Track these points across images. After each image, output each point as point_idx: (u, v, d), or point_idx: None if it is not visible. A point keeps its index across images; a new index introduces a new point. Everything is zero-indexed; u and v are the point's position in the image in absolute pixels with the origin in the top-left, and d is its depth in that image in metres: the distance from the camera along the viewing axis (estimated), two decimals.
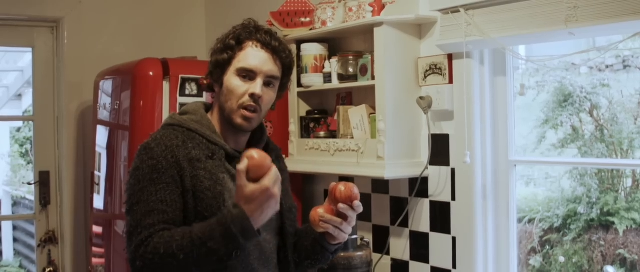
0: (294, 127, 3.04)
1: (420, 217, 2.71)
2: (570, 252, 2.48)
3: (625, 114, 2.36)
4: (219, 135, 1.83)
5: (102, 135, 3.37)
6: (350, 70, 2.79)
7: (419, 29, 2.68)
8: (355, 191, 1.76)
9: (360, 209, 1.77)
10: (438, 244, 2.65)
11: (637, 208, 2.34)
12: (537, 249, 2.58)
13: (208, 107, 1.91)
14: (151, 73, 3.00)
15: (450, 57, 2.56)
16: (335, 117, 2.91)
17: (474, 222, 2.51)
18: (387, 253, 2.86)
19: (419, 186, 2.66)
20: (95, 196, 3.42)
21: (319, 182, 3.26)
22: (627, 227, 2.34)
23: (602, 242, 2.40)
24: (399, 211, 2.79)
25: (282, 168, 1.98)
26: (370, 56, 2.68)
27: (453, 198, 2.58)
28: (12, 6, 3.69)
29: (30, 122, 4.42)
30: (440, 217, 2.63)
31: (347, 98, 2.97)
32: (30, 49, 3.91)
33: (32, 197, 4.24)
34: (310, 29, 2.94)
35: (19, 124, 5.78)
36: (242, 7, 3.79)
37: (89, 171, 3.66)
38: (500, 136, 2.53)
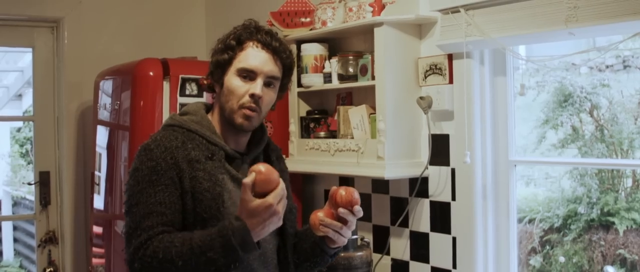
0: (294, 127, 3.04)
1: (421, 217, 2.71)
2: (571, 252, 2.48)
3: (625, 114, 2.36)
4: (219, 135, 1.83)
5: (102, 135, 3.37)
6: (350, 70, 2.79)
7: (419, 29, 2.68)
8: (356, 195, 1.77)
9: (361, 214, 1.77)
10: (438, 244, 2.65)
11: (637, 208, 2.34)
12: (537, 249, 2.58)
13: (208, 108, 1.91)
14: (151, 73, 3.00)
15: (450, 57, 2.56)
16: (336, 117, 2.91)
17: (474, 222, 2.51)
18: (387, 253, 2.86)
19: (419, 186, 2.66)
20: (96, 196, 3.42)
21: (319, 182, 3.26)
22: (627, 227, 2.34)
23: (602, 242, 2.40)
24: (399, 211, 2.79)
25: (282, 169, 1.98)
26: (370, 56, 2.68)
27: (453, 198, 2.58)
28: (12, 6, 3.69)
29: (31, 122, 4.41)
30: (441, 217, 2.63)
31: (347, 98, 2.97)
32: (30, 49, 3.91)
33: (32, 198, 4.24)
34: (311, 29, 2.94)
35: (19, 124, 5.78)
36: (242, 7, 3.79)
37: (89, 171, 3.66)
38: (500, 136, 2.53)
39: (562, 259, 2.50)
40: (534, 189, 2.66)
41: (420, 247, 2.72)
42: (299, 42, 2.96)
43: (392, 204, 2.86)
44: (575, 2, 2.08)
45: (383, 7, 2.64)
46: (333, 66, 2.88)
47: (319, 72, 2.91)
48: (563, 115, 2.51)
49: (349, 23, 2.74)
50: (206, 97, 2.93)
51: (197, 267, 1.62)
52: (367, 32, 2.72)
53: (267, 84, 1.82)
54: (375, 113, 2.64)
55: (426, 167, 2.64)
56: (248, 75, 1.79)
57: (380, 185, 2.90)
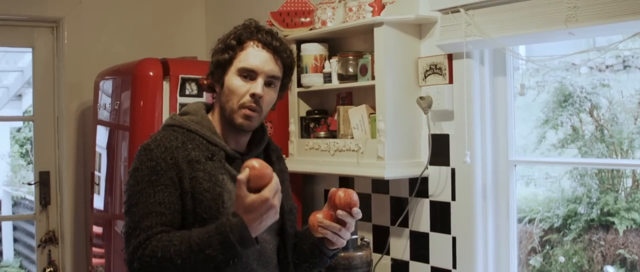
0: (294, 127, 3.04)
1: (420, 217, 2.71)
2: (570, 252, 2.48)
3: (625, 114, 2.36)
4: (219, 136, 1.83)
5: (102, 135, 3.37)
6: (350, 70, 2.79)
7: (419, 29, 2.68)
8: (355, 197, 1.77)
9: (359, 216, 1.77)
10: (438, 244, 2.65)
11: (637, 208, 2.34)
12: (537, 249, 2.58)
13: (209, 108, 1.91)
14: (151, 73, 3.00)
15: (450, 57, 2.56)
16: (335, 117, 2.91)
17: (474, 222, 2.51)
18: (387, 253, 2.86)
19: (419, 186, 2.66)
20: (95, 196, 3.42)
21: (319, 182, 3.26)
22: (627, 227, 2.34)
23: (602, 242, 2.40)
24: (399, 211, 2.79)
25: (282, 169, 1.98)
26: (370, 56, 2.68)
27: (453, 198, 2.58)
28: (12, 6, 3.69)
29: (30, 123, 4.42)
30: (440, 217, 2.63)
31: (347, 98, 2.97)
32: (30, 49, 3.91)
33: (32, 198, 4.24)
34: (310, 29, 2.94)
35: (19, 124, 5.78)
36: (242, 7, 3.79)
37: (89, 171, 3.66)
38: (500, 136, 2.53)
39: (562, 259, 2.50)
40: (534, 189, 2.66)
41: (420, 247, 2.72)
42: (299, 42, 2.96)
43: (392, 204, 2.86)
44: (575, 2, 2.08)
45: (383, 7, 2.64)
46: (333, 66, 2.88)
47: (319, 72, 2.91)
48: (563, 115, 2.51)
49: (349, 23, 2.74)
50: (206, 97, 2.93)
51: (196, 265, 1.62)
52: (367, 32, 2.72)
53: (268, 83, 1.82)
54: (375, 113, 2.64)
55: (426, 167, 2.64)
56: (249, 75, 1.79)
57: (380, 185, 2.90)
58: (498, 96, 2.53)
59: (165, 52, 3.39)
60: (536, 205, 2.61)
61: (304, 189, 3.31)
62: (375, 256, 2.84)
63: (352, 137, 2.78)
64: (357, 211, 1.76)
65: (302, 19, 2.99)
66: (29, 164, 5.57)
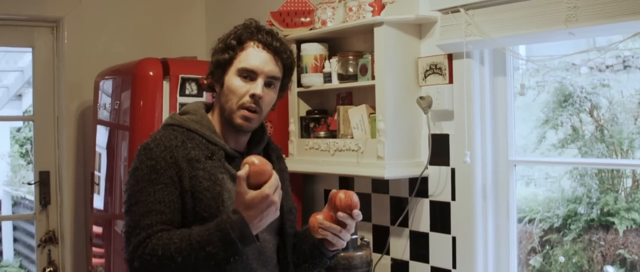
0: (294, 127, 3.04)
1: (420, 217, 2.71)
2: (570, 252, 2.48)
3: (625, 114, 2.36)
4: (218, 135, 1.83)
5: (102, 135, 3.37)
6: (350, 70, 2.79)
7: (419, 28, 2.68)
8: (355, 199, 1.77)
9: (360, 218, 1.77)
10: (438, 244, 2.65)
11: (637, 208, 2.34)
12: (537, 249, 2.58)
13: (208, 107, 1.91)
14: (151, 73, 3.00)
15: (450, 57, 2.56)
16: (335, 117, 2.91)
17: (474, 222, 2.51)
18: (387, 253, 2.86)
19: (419, 186, 2.66)
20: (95, 196, 3.42)
21: (319, 182, 3.26)
22: (627, 227, 2.34)
23: (602, 242, 2.40)
24: (399, 210, 2.79)
25: (282, 168, 1.98)
26: (370, 56, 2.68)
27: (453, 198, 2.58)
28: (12, 6, 3.69)
29: (30, 122, 4.42)
30: (440, 217, 2.63)
31: (347, 98, 2.97)
32: (30, 49, 3.91)
33: (32, 197, 4.24)
34: (310, 29, 2.94)
35: (19, 124, 5.78)
36: (242, 7, 3.79)
37: (89, 171, 3.66)
38: (500, 136, 2.53)
39: (562, 259, 2.50)
40: (534, 189, 2.66)
41: (420, 247, 2.72)
42: (299, 42, 2.96)
43: (392, 203, 2.86)
44: (575, 2, 2.08)
45: (383, 6, 2.64)
46: (333, 66, 2.88)
47: (319, 72, 2.91)
48: (563, 115, 2.51)
49: (349, 23, 2.74)
50: (206, 97, 2.93)
51: (196, 263, 1.62)
52: (367, 31, 2.72)
53: (268, 84, 1.82)
54: (375, 113, 2.64)
55: (426, 167, 2.64)
56: (249, 75, 1.79)
57: (380, 185, 2.90)
58: (498, 96, 2.53)
59: (165, 52, 3.39)
60: (536, 205, 2.61)
61: (304, 189, 3.31)
62: (375, 256, 2.84)
63: (352, 137, 2.78)
64: (358, 213, 1.76)
65: (302, 19, 2.99)
66: (29, 163, 5.57)
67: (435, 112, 2.62)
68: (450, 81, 2.56)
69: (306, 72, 2.93)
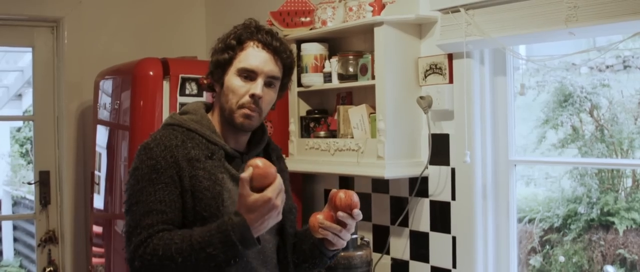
0: (294, 126, 3.04)
1: (420, 217, 2.71)
2: (570, 252, 2.48)
3: (625, 114, 2.36)
4: (218, 135, 1.83)
5: (102, 135, 3.37)
6: (351, 70, 2.79)
7: (419, 28, 2.68)
8: (355, 199, 1.77)
9: (360, 217, 1.77)
10: (438, 243, 2.65)
11: (637, 208, 2.34)
12: (537, 249, 2.58)
13: (208, 107, 1.91)
14: (151, 73, 3.00)
15: (450, 57, 2.56)
16: (335, 117, 2.91)
17: (474, 222, 2.51)
18: (387, 253, 2.86)
19: (419, 186, 2.66)
20: (95, 195, 3.42)
21: (319, 181, 3.26)
22: (627, 227, 2.35)
23: (602, 242, 2.40)
24: (399, 210, 2.79)
25: (282, 168, 1.98)
26: (371, 56, 2.68)
27: (453, 198, 2.58)
28: (12, 6, 3.69)
29: (30, 122, 4.42)
30: (440, 216, 2.63)
31: (347, 98, 2.97)
32: (30, 49, 3.91)
33: (32, 197, 4.24)
34: (311, 29, 2.94)
35: (19, 124, 5.78)
36: (242, 6, 3.79)
37: (89, 170, 3.66)
38: (500, 136, 2.53)
39: (562, 258, 2.50)
40: (534, 189, 2.66)
41: (420, 246, 2.72)
42: (299, 42, 2.96)
43: (392, 203, 2.86)
44: (575, 1, 2.08)
45: (383, 6, 2.64)
46: (333, 66, 2.88)
47: (319, 71, 2.91)
48: (563, 115, 2.51)
49: (349, 23, 2.74)
50: (206, 97, 2.93)
51: (197, 264, 1.62)
52: (367, 31, 2.72)
53: (268, 84, 1.82)
54: (375, 113, 2.64)
55: (426, 167, 2.64)
56: (248, 75, 1.79)
57: (380, 184, 2.90)
58: (498, 96, 2.53)
59: (165, 52, 3.39)
60: (536, 205, 2.61)
61: (304, 189, 3.31)
62: (375, 256, 2.84)
63: (352, 137, 2.78)
64: (358, 213, 1.76)
65: (302, 19, 2.99)
66: (29, 163, 5.57)
67: (435, 112, 2.62)
68: (451, 81, 2.56)
69: (306, 72, 2.93)
